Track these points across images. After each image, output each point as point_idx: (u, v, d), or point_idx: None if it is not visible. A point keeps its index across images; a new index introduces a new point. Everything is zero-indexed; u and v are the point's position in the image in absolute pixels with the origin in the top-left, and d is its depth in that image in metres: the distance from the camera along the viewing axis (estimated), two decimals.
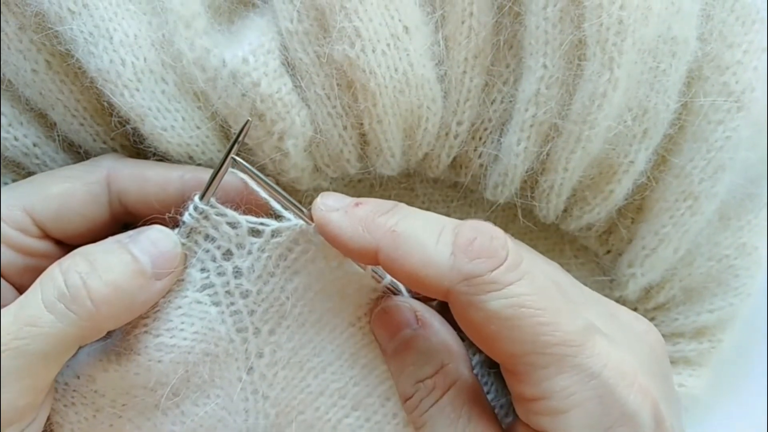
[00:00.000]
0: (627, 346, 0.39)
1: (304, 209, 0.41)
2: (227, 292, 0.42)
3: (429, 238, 0.38)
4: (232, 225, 0.41)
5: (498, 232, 0.38)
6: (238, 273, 0.42)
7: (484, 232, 0.38)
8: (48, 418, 0.43)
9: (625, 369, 0.37)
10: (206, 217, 0.41)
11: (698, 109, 0.45)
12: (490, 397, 0.44)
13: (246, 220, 0.41)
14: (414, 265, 0.37)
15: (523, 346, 0.36)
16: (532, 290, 0.37)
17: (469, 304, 0.37)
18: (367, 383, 0.44)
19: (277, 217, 0.42)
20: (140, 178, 0.42)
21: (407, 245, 0.38)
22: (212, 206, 0.41)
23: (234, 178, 0.42)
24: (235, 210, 0.41)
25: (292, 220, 0.41)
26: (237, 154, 0.41)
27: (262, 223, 0.42)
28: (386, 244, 0.38)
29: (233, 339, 0.43)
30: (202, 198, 0.41)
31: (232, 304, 0.43)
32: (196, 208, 0.41)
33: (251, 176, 0.41)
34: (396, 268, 0.38)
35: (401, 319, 0.43)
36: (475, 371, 0.43)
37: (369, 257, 0.38)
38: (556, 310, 0.37)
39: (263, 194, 0.41)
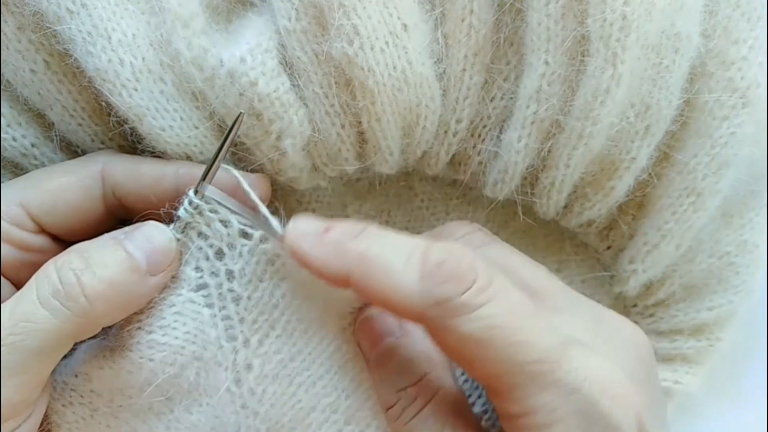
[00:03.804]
0: (610, 354, 0.39)
1: (279, 231, 0.41)
2: (220, 294, 0.42)
3: (397, 263, 0.37)
4: (224, 223, 0.41)
5: (467, 253, 0.38)
6: (230, 276, 0.42)
7: (452, 255, 0.37)
8: (46, 418, 0.43)
9: (607, 380, 0.37)
10: (200, 213, 0.41)
11: (703, 105, 0.45)
12: (478, 406, 0.44)
13: (237, 221, 0.41)
14: (384, 291, 0.37)
15: (500, 366, 0.36)
16: (503, 310, 0.36)
17: (442, 328, 0.36)
18: (358, 396, 0.44)
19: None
20: (135, 173, 0.42)
21: (376, 270, 0.37)
22: (206, 202, 0.41)
23: (228, 176, 0.42)
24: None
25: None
26: (233, 151, 0.41)
27: (251, 226, 0.42)
28: (356, 270, 0.38)
29: (222, 345, 0.43)
30: (196, 193, 0.41)
31: (224, 308, 0.43)
32: (191, 203, 0.41)
33: (220, 203, 0.42)
34: (367, 294, 0.38)
35: (384, 328, 0.43)
36: (462, 379, 0.43)
37: (341, 283, 0.38)
38: (530, 327, 0.37)
39: (253, 196, 0.42)
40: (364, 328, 0.44)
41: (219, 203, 0.41)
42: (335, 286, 0.39)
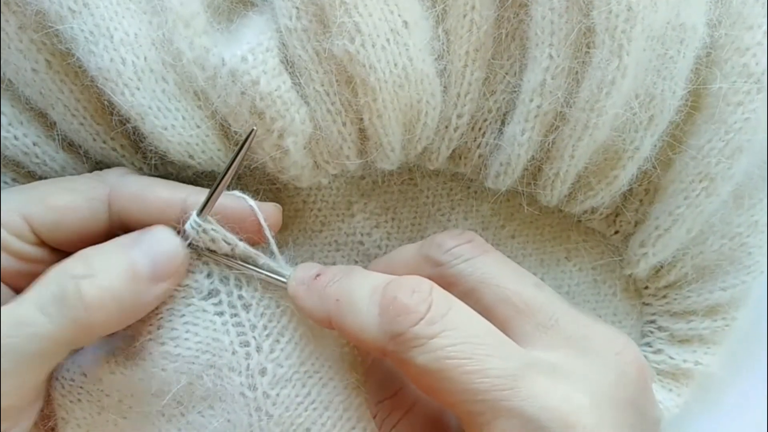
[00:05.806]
0: (584, 377, 0.38)
1: (282, 278, 0.43)
2: (230, 301, 0.43)
3: (362, 302, 0.39)
4: (230, 245, 0.42)
5: (422, 285, 0.39)
6: (239, 283, 0.43)
7: (406, 288, 0.38)
8: (53, 413, 0.44)
9: (568, 409, 0.36)
10: (204, 231, 0.41)
11: (717, 91, 0.45)
12: None
13: (243, 247, 0.43)
14: (352, 330, 0.39)
15: (458, 396, 0.36)
16: (456, 340, 0.37)
17: (401, 361, 0.37)
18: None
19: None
20: (142, 201, 0.42)
21: (347, 312, 0.39)
22: (209, 223, 0.41)
23: (241, 203, 0.43)
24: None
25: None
26: (234, 150, 0.41)
27: (256, 254, 0.43)
28: (332, 313, 0.40)
29: (236, 351, 0.43)
30: (200, 213, 0.41)
31: (236, 315, 0.43)
32: (195, 222, 0.41)
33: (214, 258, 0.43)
34: (343, 334, 0.40)
35: None
36: None
37: (327, 325, 0.40)
38: (484, 356, 0.36)
39: (265, 229, 0.43)
40: None
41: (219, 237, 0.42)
42: (327, 328, 0.41)
